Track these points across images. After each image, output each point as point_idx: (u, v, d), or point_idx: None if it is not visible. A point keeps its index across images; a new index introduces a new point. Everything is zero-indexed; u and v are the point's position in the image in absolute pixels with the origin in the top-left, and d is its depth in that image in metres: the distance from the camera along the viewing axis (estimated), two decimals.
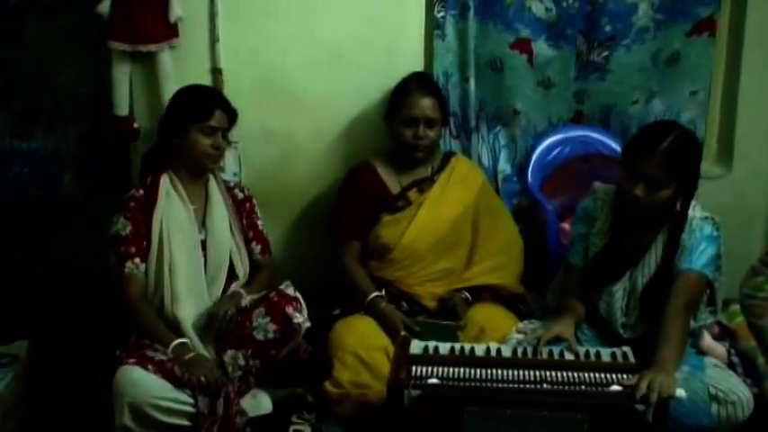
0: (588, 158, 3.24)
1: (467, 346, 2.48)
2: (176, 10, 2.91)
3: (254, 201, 2.92)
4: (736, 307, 2.85)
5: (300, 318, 2.59)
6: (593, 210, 2.67)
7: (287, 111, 3.15)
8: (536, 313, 2.90)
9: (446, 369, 2.33)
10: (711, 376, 2.44)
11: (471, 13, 3.10)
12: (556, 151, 3.28)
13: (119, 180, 3.17)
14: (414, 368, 2.34)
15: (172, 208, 2.70)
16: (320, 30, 3.10)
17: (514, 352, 2.45)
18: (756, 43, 3.22)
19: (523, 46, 3.18)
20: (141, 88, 3.04)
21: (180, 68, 2.98)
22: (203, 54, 3.05)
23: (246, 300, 2.66)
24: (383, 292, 2.90)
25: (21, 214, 3.55)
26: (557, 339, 2.47)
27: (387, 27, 3.12)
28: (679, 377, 2.31)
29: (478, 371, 2.33)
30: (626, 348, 2.45)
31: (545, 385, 2.27)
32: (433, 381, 2.29)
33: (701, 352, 2.65)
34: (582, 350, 2.45)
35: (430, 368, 2.34)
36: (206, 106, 2.71)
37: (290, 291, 2.64)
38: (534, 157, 3.27)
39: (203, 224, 2.75)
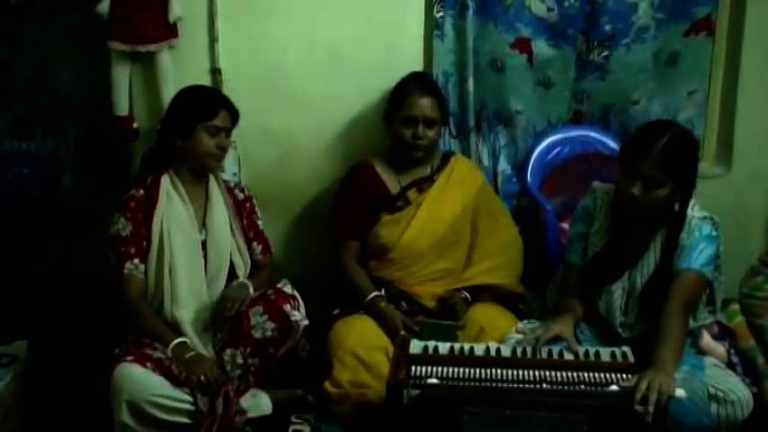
0: (588, 158, 3.24)
1: (466, 346, 2.48)
2: (176, 10, 2.92)
3: (255, 201, 2.92)
4: (735, 306, 2.85)
5: (298, 315, 2.60)
6: (592, 209, 2.67)
7: (287, 111, 3.15)
8: (535, 313, 2.90)
9: (445, 369, 2.33)
10: (711, 376, 2.44)
11: (470, 13, 3.10)
12: (555, 151, 3.28)
13: (119, 180, 3.18)
14: (413, 368, 2.34)
15: (172, 208, 2.70)
16: (320, 30, 3.10)
17: (514, 352, 2.45)
18: (756, 42, 3.22)
19: (523, 46, 3.18)
20: (141, 88, 3.05)
21: (179, 68, 2.99)
22: (203, 54, 3.05)
23: (251, 290, 2.67)
24: (383, 292, 2.90)
25: (21, 214, 3.56)
26: (556, 339, 2.47)
27: (386, 27, 3.12)
28: (678, 377, 2.31)
29: (478, 371, 2.33)
30: (625, 348, 2.45)
31: (544, 385, 2.28)
32: (433, 380, 2.29)
33: (701, 352, 2.65)
34: (581, 350, 2.45)
35: (429, 368, 2.34)
36: (211, 106, 2.72)
37: (288, 289, 2.65)
38: (534, 156, 3.27)
39: (203, 224, 2.75)
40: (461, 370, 2.33)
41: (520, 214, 3.25)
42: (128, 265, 2.64)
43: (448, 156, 3.08)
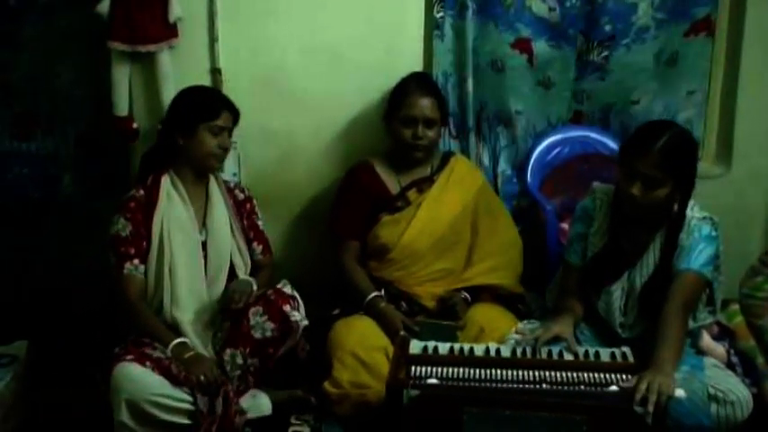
0: (587, 158, 3.24)
1: (466, 347, 2.48)
2: (175, 10, 2.92)
3: (255, 201, 2.92)
4: (735, 307, 2.85)
5: (298, 316, 2.60)
6: (591, 209, 2.67)
7: (287, 111, 3.15)
8: (535, 313, 2.90)
9: (445, 369, 2.33)
10: (711, 376, 2.44)
11: (470, 14, 3.10)
12: (555, 151, 3.28)
13: (119, 180, 3.18)
14: (413, 368, 2.34)
15: (172, 208, 2.70)
16: (320, 30, 3.10)
17: (514, 352, 2.45)
18: (756, 42, 3.22)
19: (524, 46, 3.18)
20: (140, 88, 3.05)
21: (179, 68, 2.99)
22: (203, 54, 3.05)
23: (254, 287, 2.68)
24: (382, 292, 2.91)
25: (21, 214, 3.55)
26: (556, 339, 2.47)
27: (386, 27, 3.12)
28: (678, 377, 2.31)
29: (478, 371, 2.33)
30: (625, 348, 2.45)
31: (544, 385, 2.28)
32: (433, 381, 2.29)
33: (701, 352, 2.65)
34: (581, 350, 2.45)
35: (429, 368, 2.34)
36: (213, 106, 2.73)
37: (288, 289, 2.66)
38: (534, 157, 3.27)
39: (204, 225, 2.75)
40: (461, 370, 2.33)
41: (520, 214, 3.25)
42: (127, 265, 2.64)
43: (448, 156, 3.08)
